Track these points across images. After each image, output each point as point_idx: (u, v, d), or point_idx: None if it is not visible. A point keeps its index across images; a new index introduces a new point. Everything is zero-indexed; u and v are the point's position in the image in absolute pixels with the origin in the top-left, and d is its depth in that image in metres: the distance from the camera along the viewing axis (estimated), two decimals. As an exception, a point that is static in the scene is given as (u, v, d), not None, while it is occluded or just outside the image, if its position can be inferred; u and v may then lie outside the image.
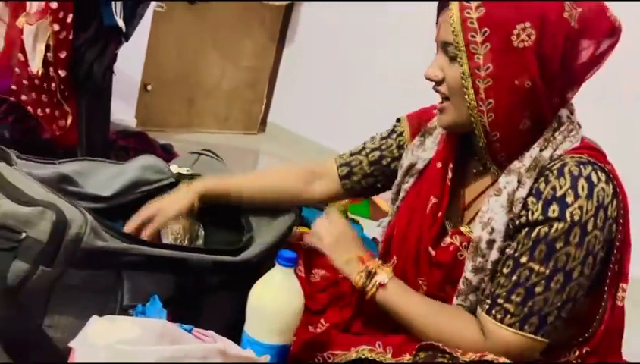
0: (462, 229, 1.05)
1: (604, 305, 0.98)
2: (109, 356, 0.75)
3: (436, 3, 1.02)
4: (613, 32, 0.97)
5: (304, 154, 3.56)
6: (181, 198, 1.17)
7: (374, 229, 1.90)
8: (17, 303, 0.85)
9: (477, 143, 1.02)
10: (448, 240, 1.04)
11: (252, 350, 0.92)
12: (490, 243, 0.98)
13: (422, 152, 1.14)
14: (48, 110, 1.93)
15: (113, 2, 1.89)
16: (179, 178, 1.28)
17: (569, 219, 0.91)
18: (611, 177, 0.96)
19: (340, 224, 1.11)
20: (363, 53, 3.40)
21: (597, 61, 0.98)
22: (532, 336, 0.93)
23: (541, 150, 0.97)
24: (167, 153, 2.92)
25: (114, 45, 2.01)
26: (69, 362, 0.77)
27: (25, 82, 1.87)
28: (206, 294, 1.07)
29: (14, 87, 1.91)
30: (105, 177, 1.22)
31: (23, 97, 1.92)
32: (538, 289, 0.93)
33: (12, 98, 1.97)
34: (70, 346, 0.78)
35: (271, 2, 3.55)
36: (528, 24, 0.92)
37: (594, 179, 0.93)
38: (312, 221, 1.83)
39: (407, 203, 1.12)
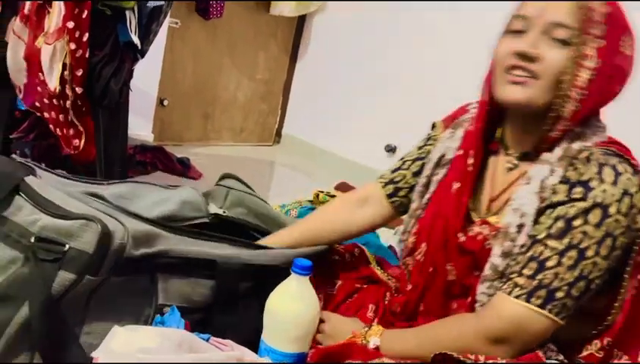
0: (490, 219, 1.05)
1: (623, 294, 0.97)
2: (130, 365, 0.76)
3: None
4: None
5: (319, 164, 3.57)
6: None
7: (391, 236, 1.91)
8: (58, 314, 0.88)
9: (521, 132, 1.04)
10: (476, 229, 1.06)
11: (269, 358, 0.94)
12: (520, 228, 0.99)
13: (452, 142, 1.15)
14: (65, 130, 1.98)
15: (128, 20, 1.93)
16: (214, 219, 1.30)
17: (590, 199, 0.93)
18: (637, 170, 0.97)
19: (331, 320, 1.11)
20: (375, 62, 3.42)
21: None
22: (539, 309, 0.92)
23: (570, 142, 1.00)
24: (184, 167, 2.95)
25: (130, 61, 2.05)
26: (91, 371, 0.79)
27: (45, 100, 1.92)
28: (240, 300, 1.09)
29: (37, 104, 1.97)
30: (147, 203, 1.24)
31: (46, 114, 1.98)
32: (549, 263, 0.93)
33: (38, 113, 2.02)
34: (93, 355, 0.80)
35: (282, 14, 3.59)
36: (630, 36, 0.99)
37: (621, 169, 0.95)
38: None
39: (436, 193, 1.14)
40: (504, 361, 0.89)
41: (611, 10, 0.98)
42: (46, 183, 1.05)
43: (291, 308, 0.95)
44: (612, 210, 0.92)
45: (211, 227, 1.30)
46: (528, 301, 0.93)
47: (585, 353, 0.99)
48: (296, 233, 1.23)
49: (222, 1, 3.24)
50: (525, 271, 0.94)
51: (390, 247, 1.90)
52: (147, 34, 2.05)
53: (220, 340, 0.92)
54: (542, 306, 0.92)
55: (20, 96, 1.99)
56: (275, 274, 1.09)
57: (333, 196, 2.07)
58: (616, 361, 1.00)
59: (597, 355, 0.99)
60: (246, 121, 3.84)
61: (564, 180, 0.97)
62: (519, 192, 1.01)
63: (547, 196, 0.98)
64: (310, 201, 2.08)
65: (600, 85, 0.97)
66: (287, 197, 2.14)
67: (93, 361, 0.79)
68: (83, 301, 0.91)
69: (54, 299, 0.87)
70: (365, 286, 1.28)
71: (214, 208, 1.32)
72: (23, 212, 0.95)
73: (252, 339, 1.00)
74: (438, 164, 1.16)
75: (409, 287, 1.13)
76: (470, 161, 1.08)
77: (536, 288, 0.92)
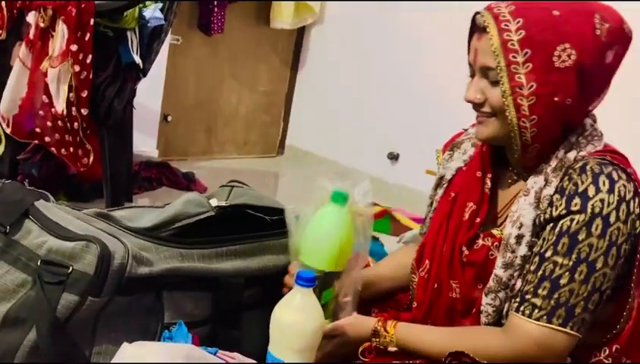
0: (494, 231, 1.08)
1: (631, 303, 0.99)
2: (140, 381, 0.79)
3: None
4: (629, 40, 1.02)
5: (323, 174, 3.59)
6: None
7: (395, 245, 1.93)
8: (65, 336, 0.90)
9: (511, 154, 1.06)
10: (480, 242, 1.08)
11: (275, 369, 0.95)
12: (519, 238, 1.01)
13: (450, 163, 1.19)
14: (71, 149, 2.00)
15: (129, 40, 1.97)
16: (218, 211, 1.31)
17: (589, 211, 0.95)
18: (632, 178, 0.99)
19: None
20: (375, 70, 3.45)
21: (616, 69, 1.03)
22: (561, 328, 0.95)
23: (565, 152, 1.02)
24: (189, 181, 2.98)
25: (133, 81, 2.08)
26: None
27: (49, 123, 1.95)
28: (244, 311, 1.11)
29: (38, 130, 1.98)
30: (150, 217, 1.26)
31: (47, 138, 1.99)
32: (562, 281, 0.95)
33: (36, 141, 2.03)
34: (103, 373, 0.82)
35: (282, 28, 3.62)
36: (567, 45, 0.96)
37: (615, 176, 0.97)
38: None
39: (438, 211, 1.17)
40: None
41: (533, 30, 0.96)
42: (55, 206, 1.08)
43: (295, 320, 0.97)
44: (612, 219, 0.94)
45: (216, 220, 1.29)
46: (549, 322, 0.95)
47: (594, 359, 1.01)
48: (387, 270, 1.27)
49: (222, 16, 3.29)
50: (540, 291, 0.96)
51: (395, 255, 1.91)
52: (149, 53, 2.09)
53: (227, 353, 0.95)
54: (564, 325, 0.95)
55: (9, 130, 1.98)
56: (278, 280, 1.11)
57: (336, 206, 2.08)
58: None
59: (605, 361, 1.01)
60: (249, 134, 3.87)
61: (560, 191, 0.99)
62: (519, 203, 1.03)
63: (545, 207, 1.00)
64: (314, 212, 2.09)
65: (545, 104, 0.97)
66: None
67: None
68: (91, 322, 0.92)
69: (60, 321, 0.88)
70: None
71: (216, 202, 1.32)
72: (31, 235, 0.97)
73: (261, 352, 1.02)
74: (438, 185, 1.20)
75: (415, 304, 1.15)
76: (488, 184, 1.10)
77: (555, 308, 0.95)
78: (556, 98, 0.97)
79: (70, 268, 0.90)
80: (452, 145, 1.22)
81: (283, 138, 3.99)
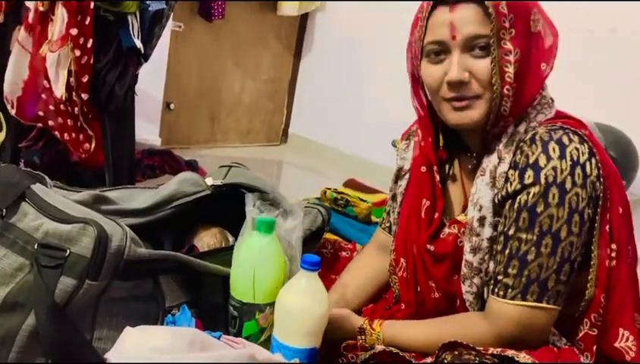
0: (459, 217, 1.06)
1: (594, 266, 0.96)
2: (142, 365, 0.77)
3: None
4: None
5: (327, 162, 3.58)
6: None
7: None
8: (66, 320, 0.88)
9: (470, 137, 1.04)
10: (447, 230, 1.06)
11: (281, 354, 0.94)
12: (482, 221, 0.99)
13: (407, 153, 1.17)
14: (73, 134, 1.99)
15: (130, 24, 1.94)
16: (214, 190, 1.29)
17: (543, 181, 0.92)
18: (585, 139, 0.95)
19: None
20: (379, 57, 3.42)
21: None
22: (537, 304, 0.93)
23: (516, 126, 0.99)
24: (193, 169, 2.96)
25: (134, 66, 2.06)
26: (105, 373, 0.80)
27: (51, 107, 1.93)
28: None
29: (41, 113, 1.97)
30: (145, 197, 1.24)
31: (50, 122, 1.98)
32: (529, 257, 0.93)
33: (39, 124, 2.02)
34: (106, 357, 0.80)
35: (288, 15, 3.59)
36: (536, 10, 0.97)
37: (566, 141, 0.93)
38: (339, 229, 1.84)
39: (404, 207, 1.15)
40: (511, 353, 0.88)
41: None
42: (54, 190, 1.06)
43: (301, 304, 0.95)
44: (568, 185, 0.91)
45: (213, 199, 1.28)
46: (524, 299, 0.93)
47: (580, 334, 0.99)
48: (337, 295, 1.18)
49: (222, 2, 3.25)
50: (510, 270, 0.94)
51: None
52: (150, 38, 2.06)
53: (231, 338, 0.93)
54: (539, 300, 0.93)
55: (13, 112, 1.96)
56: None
57: (340, 193, 2.07)
58: (622, 343, 0.98)
59: (591, 333, 0.98)
60: (253, 122, 3.85)
61: (514, 166, 0.96)
62: (477, 185, 1.01)
63: (502, 185, 0.97)
64: (318, 198, 2.08)
65: (526, 72, 0.95)
66: (296, 196, 2.14)
67: (106, 362, 0.80)
68: (91, 307, 0.91)
69: (59, 306, 0.87)
70: None
71: (211, 181, 1.30)
72: (27, 218, 0.95)
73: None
74: (398, 176, 1.18)
75: (403, 306, 1.13)
76: (437, 177, 1.08)
77: (527, 285, 0.93)
78: (536, 65, 0.96)
79: (68, 251, 0.89)
80: (408, 134, 1.19)
81: (286, 126, 3.98)
